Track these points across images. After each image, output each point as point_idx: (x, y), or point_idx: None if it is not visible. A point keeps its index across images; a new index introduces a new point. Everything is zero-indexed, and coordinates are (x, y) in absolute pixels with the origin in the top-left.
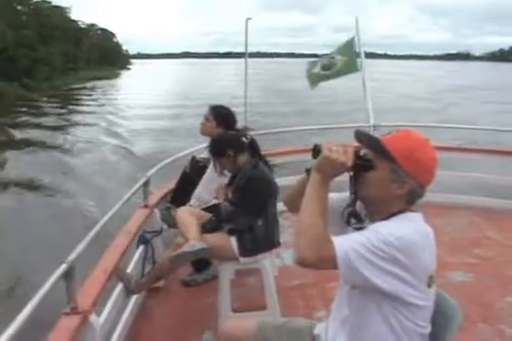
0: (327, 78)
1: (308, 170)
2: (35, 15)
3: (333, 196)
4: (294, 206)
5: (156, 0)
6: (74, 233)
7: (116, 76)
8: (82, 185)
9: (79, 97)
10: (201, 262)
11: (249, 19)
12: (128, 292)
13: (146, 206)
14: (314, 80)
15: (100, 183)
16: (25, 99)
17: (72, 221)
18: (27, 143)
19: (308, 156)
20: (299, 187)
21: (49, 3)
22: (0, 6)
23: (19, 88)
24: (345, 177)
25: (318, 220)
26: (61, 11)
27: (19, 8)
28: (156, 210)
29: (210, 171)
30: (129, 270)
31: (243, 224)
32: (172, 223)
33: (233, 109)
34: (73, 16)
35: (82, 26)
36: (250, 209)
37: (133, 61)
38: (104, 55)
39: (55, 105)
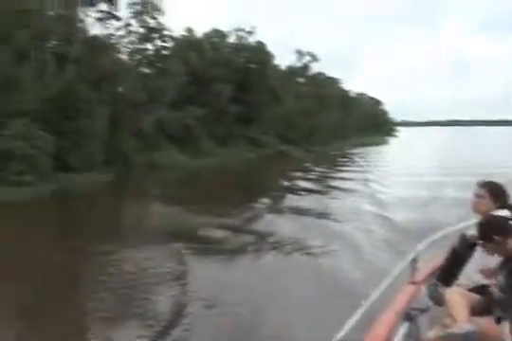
0: None
1: None
2: (313, 86)
3: None
4: None
5: (422, 67)
6: (333, 302)
7: (382, 142)
8: (343, 250)
9: (344, 162)
10: None
11: None
12: None
13: (413, 283)
14: None
15: (361, 249)
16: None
17: (330, 285)
18: (294, 208)
19: None
20: None
21: (324, 74)
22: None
23: (300, 151)
24: None
25: None
26: (334, 82)
27: (300, 80)
28: (424, 287)
29: (479, 251)
30: None
31: None
32: (439, 301)
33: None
34: (344, 86)
35: (353, 96)
36: None
37: (398, 128)
38: (372, 122)
39: (321, 170)
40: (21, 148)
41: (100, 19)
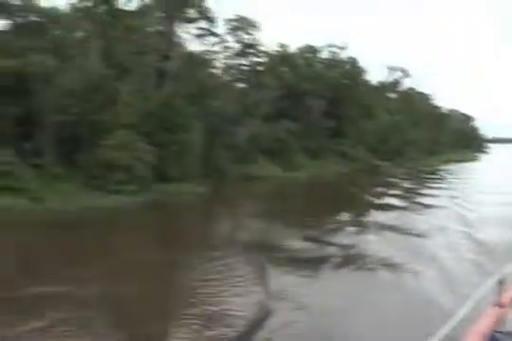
0: None
1: None
2: (404, 101)
3: None
4: None
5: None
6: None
7: (472, 159)
8: (428, 268)
9: (433, 178)
10: None
11: None
12: None
13: (499, 305)
14: None
15: (446, 269)
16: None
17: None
18: (380, 222)
19: None
20: None
21: (414, 89)
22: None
23: (391, 166)
24: None
25: None
26: (425, 97)
27: (391, 95)
28: (510, 310)
29: None
30: None
31: None
32: None
33: None
34: (435, 102)
35: (444, 112)
36: None
37: (489, 144)
38: (462, 138)
39: (409, 185)
40: (123, 158)
41: (199, 36)
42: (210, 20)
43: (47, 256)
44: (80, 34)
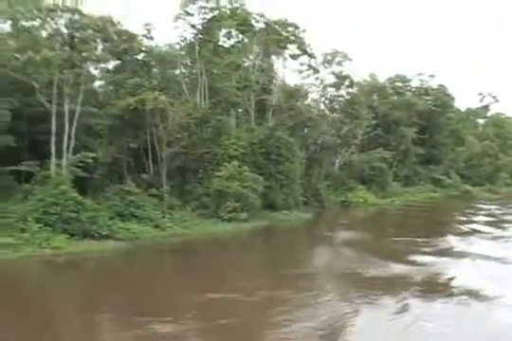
0: None
1: None
2: (494, 127)
3: None
4: None
5: None
6: None
7: None
8: None
9: None
10: None
11: None
12: None
13: None
14: None
15: None
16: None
17: None
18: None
19: None
20: None
21: (504, 114)
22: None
23: (482, 191)
24: None
25: None
26: None
27: (480, 121)
28: None
29: None
30: None
31: None
32: None
33: None
34: None
35: None
36: None
37: None
38: None
39: (502, 211)
40: (234, 188)
41: (300, 71)
42: (311, 56)
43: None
44: (184, 71)
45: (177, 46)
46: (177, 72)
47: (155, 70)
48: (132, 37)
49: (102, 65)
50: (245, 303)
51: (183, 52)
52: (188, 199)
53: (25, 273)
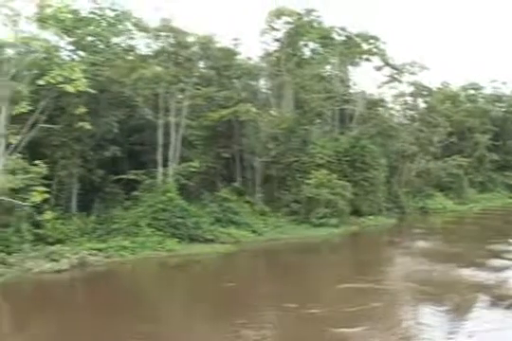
0: None
1: None
2: None
3: None
4: None
5: None
6: None
7: None
8: None
9: None
10: None
11: None
12: None
13: None
14: None
15: None
16: None
17: None
18: None
19: None
20: None
21: None
22: None
23: None
24: None
25: None
26: None
27: None
28: None
29: None
30: None
31: None
32: None
33: None
34: None
35: None
36: None
37: None
38: None
39: None
40: (324, 195)
41: (385, 82)
42: (393, 67)
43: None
44: (269, 83)
45: (255, 58)
46: (261, 84)
47: (235, 81)
48: (233, 54)
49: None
50: (381, 291)
51: (263, 64)
52: (277, 205)
53: (162, 270)
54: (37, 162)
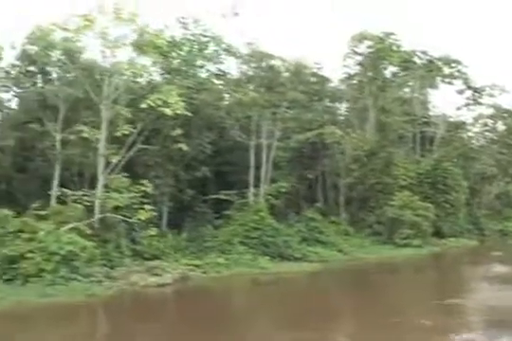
0: None
1: None
2: None
3: None
4: None
5: None
6: None
7: None
8: None
9: None
10: None
11: None
12: None
13: None
14: None
15: None
16: None
17: None
18: None
19: None
20: None
21: None
22: None
23: None
24: None
25: None
26: None
27: None
28: None
29: None
30: None
31: None
32: None
33: None
34: None
35: None
36: None
37: None
38: None
39: None
40: (407, 216)
41: (465, 105)
42: (476, 91)
43: None
44: (352, 106)
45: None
46: (343, 106)
47: (315, 103)
48: (325, 80)
49: None
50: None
51: (343, 87)
52: (361, 226)
53: (257, 287)
54: (142, 181)
